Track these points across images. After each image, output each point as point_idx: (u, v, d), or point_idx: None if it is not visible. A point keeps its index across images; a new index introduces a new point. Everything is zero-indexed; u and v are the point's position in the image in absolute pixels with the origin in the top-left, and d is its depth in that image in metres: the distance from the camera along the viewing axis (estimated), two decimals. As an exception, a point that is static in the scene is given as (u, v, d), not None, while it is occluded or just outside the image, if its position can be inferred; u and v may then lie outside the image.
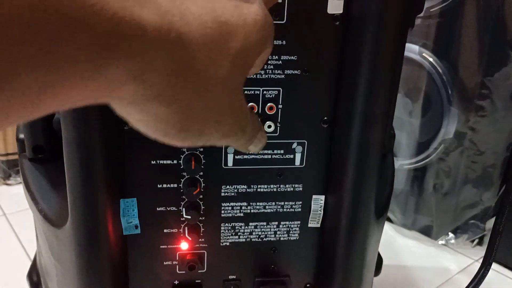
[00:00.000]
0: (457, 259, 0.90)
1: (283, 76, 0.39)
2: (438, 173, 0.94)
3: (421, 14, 0.89)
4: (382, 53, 0.38)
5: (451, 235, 0.94)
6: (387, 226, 1.01)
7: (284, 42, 0.38)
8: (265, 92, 0.39)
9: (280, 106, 0.40)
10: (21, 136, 0.52)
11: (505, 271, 0.87)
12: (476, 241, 0.94)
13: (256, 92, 0.39)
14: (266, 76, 0.39)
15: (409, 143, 0.97)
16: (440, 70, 0.89)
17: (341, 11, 0.38)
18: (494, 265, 0.84)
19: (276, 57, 0.39)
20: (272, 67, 0.39)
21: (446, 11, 0.86)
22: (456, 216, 0.93)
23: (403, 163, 0.98)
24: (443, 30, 0.87)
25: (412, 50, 0.91)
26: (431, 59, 0.89)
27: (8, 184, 1.10)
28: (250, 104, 0.39)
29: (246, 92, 0.39)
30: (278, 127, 0.40)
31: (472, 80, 0.86)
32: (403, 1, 0.37)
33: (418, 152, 0.96)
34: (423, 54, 0.90)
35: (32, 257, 0.84)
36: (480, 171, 0.91)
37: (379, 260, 0.57)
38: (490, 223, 0.92)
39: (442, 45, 0.88)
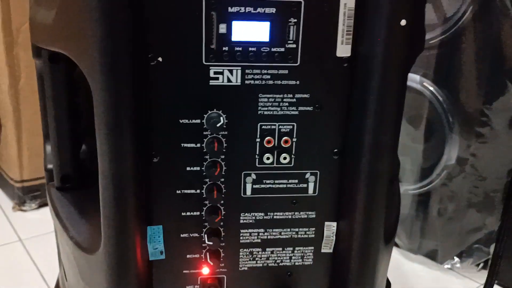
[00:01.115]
0: (463, 283, 0.92)
1: (297, 112, 0.43)
2: (442, 198, 0.97)
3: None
4: (387, 90, 0.42)
5: (456, 259, 0.96)
6: (394, 250, 1.03)
7: (298, 82, 0.42)
8: (280, 127, 0.43)
9: (294, 140, 0.43)
10: (49, 166, 0.55)
11: (511, 294, 0.88)
12: (481, 265, 0.95)
13: (273, 127, 0.43)
14: (282, 112, 0.43)
15: (413, 169, 1.00)
16: (440, 99, 0.93)
17: (349, 54, 0.42)
18: (500, 289, 0.86)
19: (291, 95, 0.42)
20: (287, 104, 0.43)
21: (445, 42, 0.90)
22: (461, 240, 0.95)
23: (407, 188, 1.01)
24: (443, 61, 0.91)
25: (413, 79, 0.95)
26: (431, 88, 0.93)
27: (23, 210, 1.13)
28: (267, 138, 0.43)
29: (263, 126, 0.43)
30: (293, 159, 0.44)
31: (472, 108, 0.90)
32: (405, 44, 0.41)
33: (422, 178, 0.99)
34: (424, 83, 0.94)
35: (48, 282, 0.86)
36: (482, 196, 0.93)
37: (387, 284, 0.60)
38: (495, 246, 0.94)
39: (442, 74, 0.92)
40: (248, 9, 0.40)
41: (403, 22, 0.39)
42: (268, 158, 0.43)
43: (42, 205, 1.13)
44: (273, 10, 0.40)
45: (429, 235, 0.98)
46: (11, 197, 1.15)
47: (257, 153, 0.43)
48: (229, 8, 0.39)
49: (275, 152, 0.43)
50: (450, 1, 0.88)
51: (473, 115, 0.90)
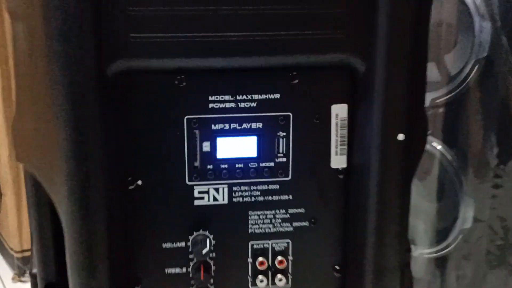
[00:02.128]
0: None
1: (291, 228, 0.39)
2: (460, 262, 0.91)
3: (427, 105, 0.90)
4: (386, 204, 0.38)
5: (480, 330, 0.89)
6: (410, 319, 0.96)
7: (290, 197, 0.39)
8: (274, 245, 0.39)
9: (290, 258, 0.40)
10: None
11: None
12: (508, 336, 0.88)
13: (266, 245, 0.39)
14: (275, 229, 0.39)
15: (427, 231, 0.95)
16: (450, 159, 0.89)
17: (345, 165, 0.39)
18: None
19: (284, 211, 0.39)
20: (280, 220, 0.39)
21: (452, 102, 0.87)
22: (484, 311, 0.89)
23: (422, 252, 0.95)
24: (450, 120, 0.88)
25: (421, 138, 0.92)
26: (440, 148, 0.89)
27: (22, 281, 1.10)
28: (259, 258, 0.39)
29: (255, 246, 0.39)
30: (290, 279, 0.40)
31: (484, 169, 0.85)
32: (402, 151, 0.37)
33: (438, 241, 0.93)
34: (433, 143, 0.90)
35: None
36: (501, 257, 0.87)
37: None
38: (521, 315, 0.87)
39: (450, 134, 0.88)
40: (233, 125, 0.37)
41: (400, 137, 0.35)
42: (262, 281, 0.39)
43: (42, 276, 1.09)
44: (259, 124, 0.37)
45: (449, 302, 0.92)
46: (11, 267, 1.12)
47: (250, 275, 0.39)
48: (213, 125, 0.37)
49: (270, 274, 0.39)
50: (454, 59, 0.86)
51: (485, 176, 0.85)
